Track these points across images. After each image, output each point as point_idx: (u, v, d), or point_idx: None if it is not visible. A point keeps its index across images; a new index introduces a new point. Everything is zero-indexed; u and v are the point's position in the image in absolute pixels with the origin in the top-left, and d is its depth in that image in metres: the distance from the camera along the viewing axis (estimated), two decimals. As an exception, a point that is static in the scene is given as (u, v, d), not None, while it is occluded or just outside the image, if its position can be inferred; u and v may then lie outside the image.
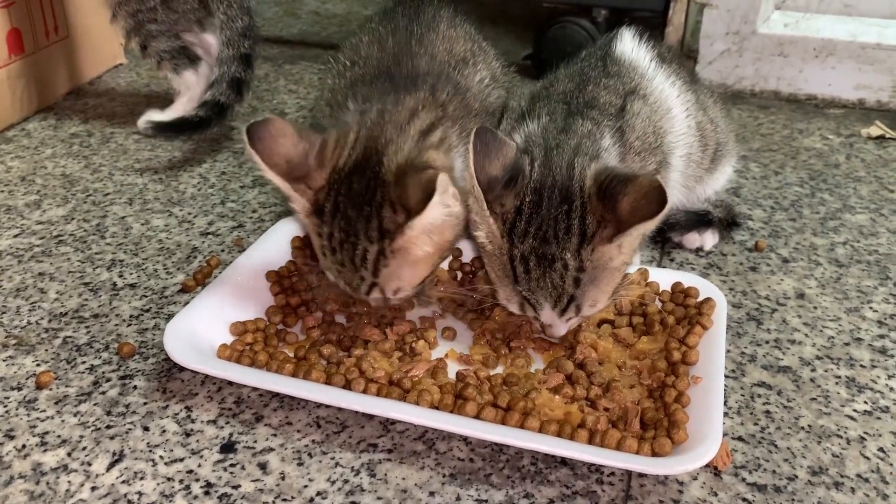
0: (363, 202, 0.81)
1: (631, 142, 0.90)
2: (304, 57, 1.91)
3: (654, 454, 0.71)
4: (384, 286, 0.83)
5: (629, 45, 1.02)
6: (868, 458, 0.77)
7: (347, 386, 0.79)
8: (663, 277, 0.95)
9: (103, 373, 0.86)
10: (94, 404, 0.82)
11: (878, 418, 0.82)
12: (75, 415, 0.80)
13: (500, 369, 0.84)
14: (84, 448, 0.76)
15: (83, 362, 0.88)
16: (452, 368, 0.84)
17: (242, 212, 1.20)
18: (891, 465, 0.76)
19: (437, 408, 0.77)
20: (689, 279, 0.94)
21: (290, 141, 0.81)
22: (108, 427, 0.79)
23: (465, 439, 0.77)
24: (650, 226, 0.76)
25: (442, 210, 0.79)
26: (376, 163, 0.82)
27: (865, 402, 0.84)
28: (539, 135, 0.87)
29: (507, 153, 0.80)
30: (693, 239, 1.10)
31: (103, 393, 0.83)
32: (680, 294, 0.92)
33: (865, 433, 0.80)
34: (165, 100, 1.44)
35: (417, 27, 1.02)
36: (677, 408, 0.75)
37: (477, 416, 0.75)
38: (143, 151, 1.39)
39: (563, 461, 0.75)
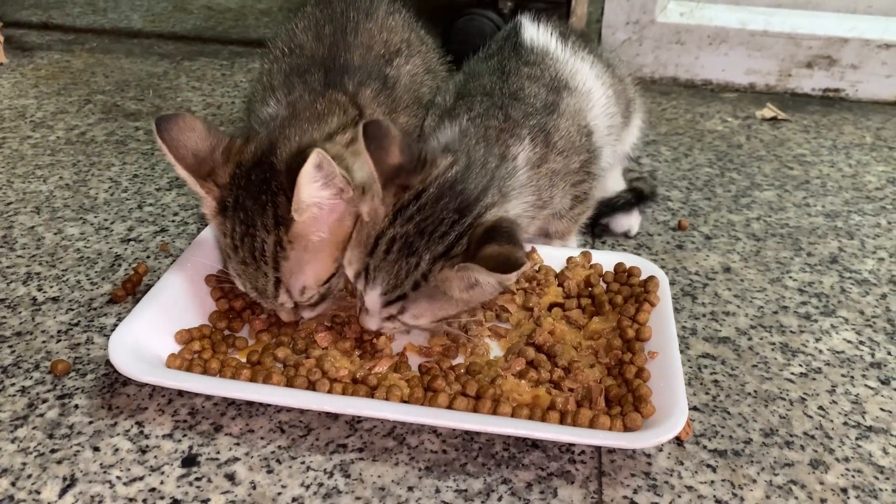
0: (260, 192, 0.80)
1: (555, 142, 0.92)
2: (202, 53, 1.83)
3: (627, 429, 0.73)
4: (289, 283, 0.81)
5: (533, 31, 1.03)
6: (811, 417, 0.82)
7: (311, 388, 0.77)
8: (605, 259, 0.98)
9: (38, 394, 0.80)
10: (33, 428, 0.76)
11: (814, 379, 0.88)
12: (13, 441, 0.74)
13: (460, 359, 0.84)
14: (29, 476, 0.71)
15: (13, 384, 0.81)
16: (413, 361, 0.83)
17: (163, 215, 1.14)
18: (831, 421, 0.82)
19: (406, 402, 0.76)
20: (630, 259, 0.97)
21: (198, 136, 0.82)
22: (53, 451, 0.73)
23: (435, 431, 0.77)
24: (486, 278, 0.76)
25: (322, 187, 0.77)
26: (272, 154, 0.82)
27: (800, 366, 0.90)
28: (461, 139, 0.87)
29: (401, 138, 0.79)
30: (622, 223, 1.13)
31: (41, 415, 0.77)
32: (623, 274, 0.95)
33: (805, 394, 0.85)
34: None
35: (354, 14, 1.00)
36: (640, 383, 0.77)
37: (449, 407, 0.75)
38: (43, 156, 1.29)
39: (535, 444, 0.76)
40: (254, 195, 0.80)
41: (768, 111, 1.61)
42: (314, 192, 0.77)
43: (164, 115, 0.81)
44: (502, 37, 1.08)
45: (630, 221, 1.14)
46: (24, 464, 0.72)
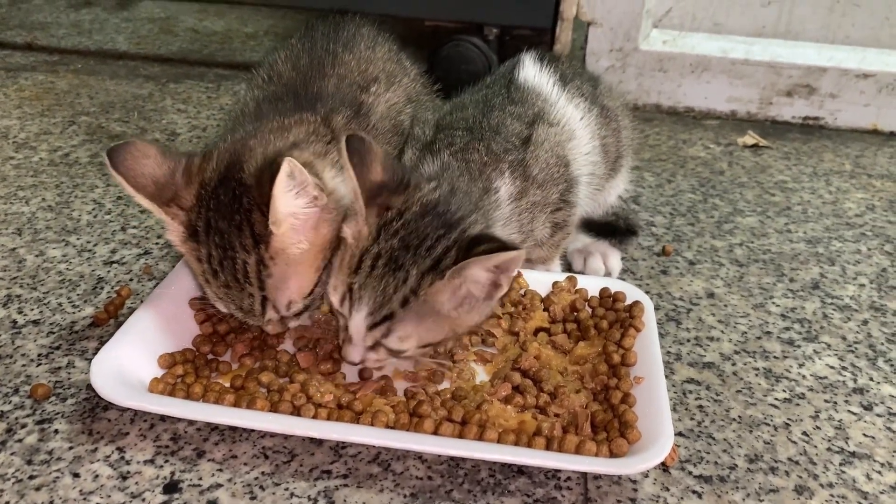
0: (232, 212, 0.79)
1: (535, 175, 0.92)
2: (188, 75, 1.83)
3: (613, 455, 0.73)
4: (275, 300, 0.81)
5: (530, 71, 1.04)
6: (795, 443, 0.82)
7: (296, 413, 0.77)
8: (591, 284, 0.98)
9: (16, 418, 0.79)
10: (12, 454, 0.75)
11: (797, 405, 0.88)
12: (-10, 467, 0.73)
13: (446, 384, 0.84)
14: (7, 503, 0.69)
15: (-9, 409, 0.80)
16: (398, 386, 0.83)
17: (146, 238, 1.13)
18: (815, 447, 0.82)
19: (392, 427, 0.75)
20: (615, 284, 0.97)
21: (154, 162, 0.80)
22: (32, 477, 0.72)
23: (420, 457, 0.76)
24: (482, 274, 0.75)
25: (296, 196, 0.77)
26: (238, 170, 0.80)
27: (784, 391, 0.90)
28: (442, 171, 0.87)
29: (383, 156, 0.79)
30: (598, 267, 1.12)
31: (20, 440, 0.76)
32: (608, 299, 0.95)
33: (789, 419, 0.86)
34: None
35: (334, 45, 1.01)
36: (626, 408, 0.77)
37: (435, 432, 0.74)
38: (26, 178, 1.28)
39: (520, 470, 0.75)
40: (227, 216, 0.79)
41: (750, 138, 1.64)
42: (290, 202, 0.76)
43: (115, 145, 0.78)
44: (500, 72, 1.08)
45: (611, 263, 1.12)
46: (2, 490, 0.70)
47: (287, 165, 0.74)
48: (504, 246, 0.73)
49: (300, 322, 0.86)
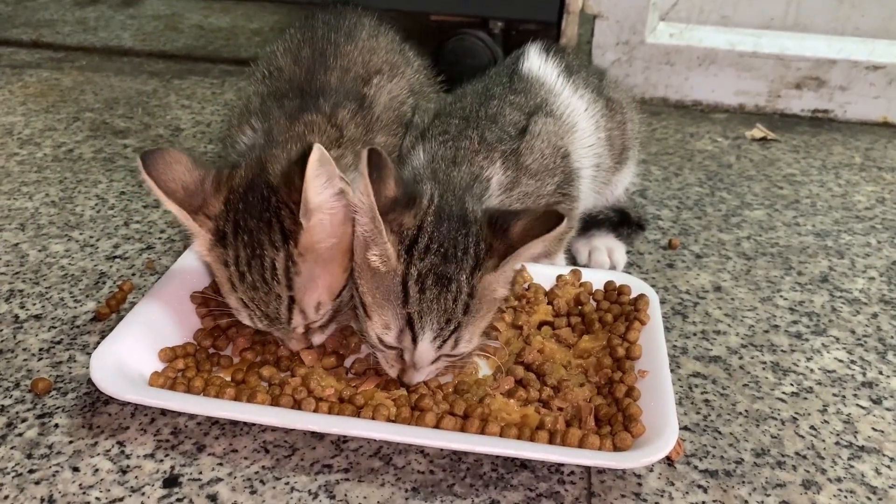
0: (262, 210, 0.79)
1: (528, 165, 0.91)
2: (192, 71, 1.83)
3: (616, 449, 0.72)
4: (302, 301, 0.80)
5: (535, 62, 1.03)
6: (802, 437, 0.81)
7: (296, 407, 0.76)
8: (595, 277, 0.97)
9: (17, 412, 0.79)
10: (12, 448, 0.74)
11: (805, 398, 0.87)
12: (-10, 461, 0.73)
13: (448, 378, 0.83)
14: (6, 497, 0.69)
15: (-9, 403, 0.80)
16: (400, 380, 0.82)
17: (149, 233, 1.13)
18: (823, 441, 0.81)
19: (393, 421, 0.75)
20: (620, 277, 0.96)
21: (185, 168, 0.80)
22: (32, 471, 0.72)
23: (422, 451, 0.76)
24: (538, 246, 0.75)
25: (325, 185, 0.76)
26: (265, 173, 0.81)
27: (791, 385, 0.89)
28: (429, 163, 0.87)
29: (395, 172, 0.78)
30: (603, 260, 1.11)
31: (20, 434, 0.76)
32: (613, 292, 0.94)
33: (796, 413, 0.84)
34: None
35: (336, 36, 1.00)
36: (630, 402, 0.76)
37: (436, 426, 0.74)
38: (29, 174, 1.28)
39: (523, 464, 0.75)
40: (256, 214, 0.79)
41: (758, 131, 1.62)
42: (320, 191, 0.76)
43: (149, 150, 0.79)
44: (504, 62, 1.07)
45: (616, 257, 1.11)
46: (2, 484, 0.70)
47: (317, 151, 0.74)
48: (548, 212, 0.74)
49: (326, 335, 0.84)
